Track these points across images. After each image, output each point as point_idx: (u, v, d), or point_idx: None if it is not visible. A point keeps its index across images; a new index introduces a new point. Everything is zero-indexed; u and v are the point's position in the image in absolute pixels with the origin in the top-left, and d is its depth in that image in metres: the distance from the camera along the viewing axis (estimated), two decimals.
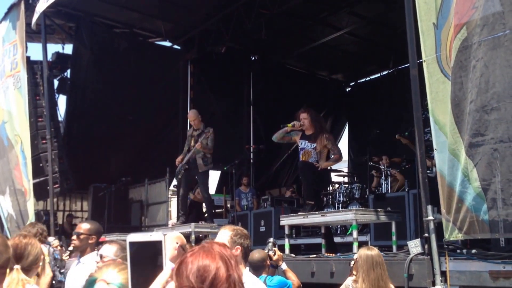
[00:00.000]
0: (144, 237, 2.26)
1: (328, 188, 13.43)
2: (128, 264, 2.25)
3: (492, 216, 5.37)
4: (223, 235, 3.99)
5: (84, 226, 5.46)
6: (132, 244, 2.26)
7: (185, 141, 11.40)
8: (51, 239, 7.55)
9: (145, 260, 2.26)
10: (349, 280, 6.03)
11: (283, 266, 6.48)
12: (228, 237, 3.96)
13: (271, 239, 6.81)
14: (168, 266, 2.27)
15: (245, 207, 13.87)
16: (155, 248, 2.26)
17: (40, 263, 4.08)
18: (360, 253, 5.73)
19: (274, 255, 6.40)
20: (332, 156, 9.13)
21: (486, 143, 5.41)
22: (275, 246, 6.64)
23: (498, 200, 5.30)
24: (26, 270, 3.67)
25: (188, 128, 11.88)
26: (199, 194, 12.02)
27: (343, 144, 18.84)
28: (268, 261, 6.19)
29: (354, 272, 5.92)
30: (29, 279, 3.58)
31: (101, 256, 4.27)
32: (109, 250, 4.25)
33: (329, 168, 9.72)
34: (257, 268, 5.79)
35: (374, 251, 5.71)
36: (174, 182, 11.88)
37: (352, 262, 6.06)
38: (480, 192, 5.48)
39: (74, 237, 5.37)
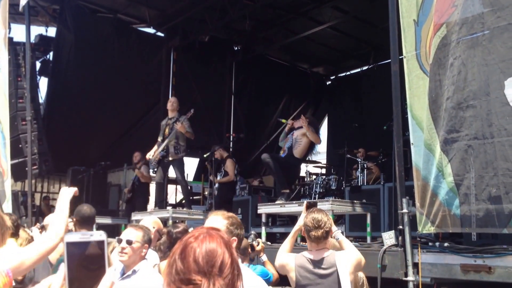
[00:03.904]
0: (84, 237, 2.16)
1: (306, 179, 13.59)
2: (65, 267, 2.14)
3: (464, 211, 5.49)
4: (216, 223, 3.53)
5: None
6: (69, 244, 2.15)
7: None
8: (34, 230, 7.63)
9: (85, 262, 2.16)
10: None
11: (264, 257, 6.53)
12: (224, 226, 3.54)
13: (253, 231, 6.92)
14: (111, 268, 2.22)
15: None
16: (96, 248, 2.16)
17: None
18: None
19: (258, 245, 6.48)
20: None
21: (461, 139, 5.52)
22: (257, 238, 6.75)
23: (471, 196, 5.42)
24: None
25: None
26: None
27: (322, 137, 18.98)
28: (249, 250, 6.26)
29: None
30: None
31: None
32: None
33: (299, 161, 10.09)
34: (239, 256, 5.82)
35: None
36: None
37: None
38: (453, 187, 5.59)
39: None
